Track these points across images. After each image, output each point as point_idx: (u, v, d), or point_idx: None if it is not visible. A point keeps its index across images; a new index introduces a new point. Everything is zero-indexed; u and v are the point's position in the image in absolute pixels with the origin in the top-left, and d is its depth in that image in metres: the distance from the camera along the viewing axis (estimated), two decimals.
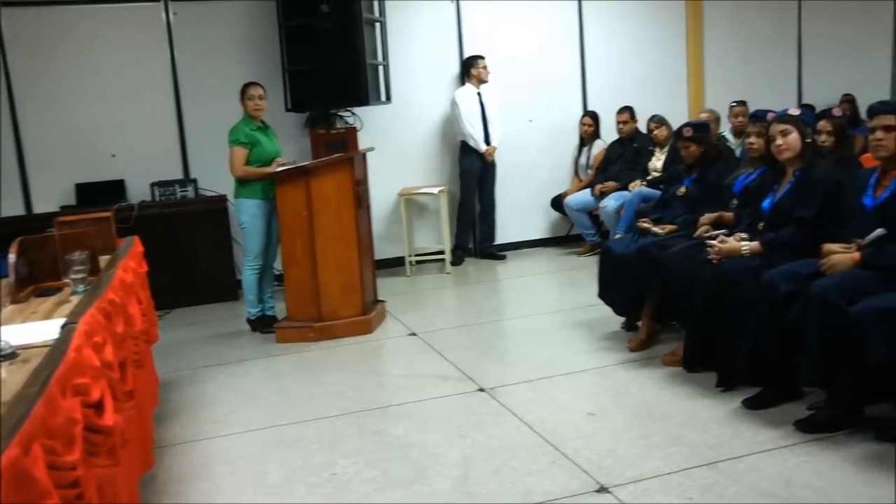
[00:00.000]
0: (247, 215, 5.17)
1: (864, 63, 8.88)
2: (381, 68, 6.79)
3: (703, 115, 6.14)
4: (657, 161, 6.67)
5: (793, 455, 3.01)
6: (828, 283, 3.18)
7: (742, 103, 6.99)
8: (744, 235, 3.86)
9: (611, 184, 6.88)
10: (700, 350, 3.86)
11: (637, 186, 6.55)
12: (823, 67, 8.68)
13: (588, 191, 7.14)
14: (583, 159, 7.53)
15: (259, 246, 5.21)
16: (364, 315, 5.17)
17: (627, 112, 7.14)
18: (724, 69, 8.25)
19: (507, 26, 7.45)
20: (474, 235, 7.49)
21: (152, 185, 6.34)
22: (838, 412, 3.19)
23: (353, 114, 6.82)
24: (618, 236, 5.99)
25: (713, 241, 3.81)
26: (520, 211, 7.67)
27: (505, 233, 7.63)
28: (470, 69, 7.06)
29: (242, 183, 5.18)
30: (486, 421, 3.58)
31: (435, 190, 6.89)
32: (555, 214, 7.73)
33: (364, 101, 6.34)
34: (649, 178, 6.61)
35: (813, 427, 3.19)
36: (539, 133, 7.68)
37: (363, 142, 6.69)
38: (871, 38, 8.91)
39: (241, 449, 3.50)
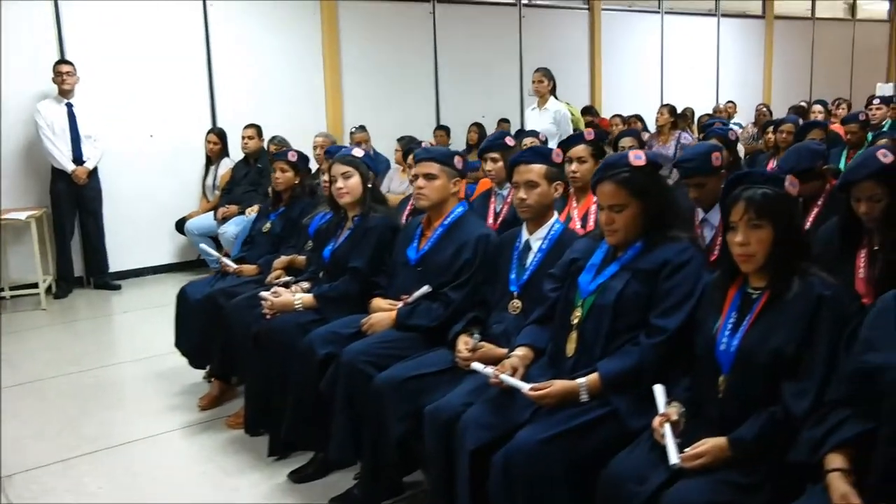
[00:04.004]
0: None
1: (497, 88, 9.38)
2: None
3: (318, 140, 5.86)
4: None
5: None
6: (359, 348, 2.96)
7: (362, 129, 6.93)
8: (305, 285, 3.60)
9: (233, 207, 6.40)
10: (259, 412, 3.52)
11: (253, 212, 6.13)
12: (460, 93, 9.01)
13: (212, 214, 6.61)
14: (209, 179, 7.00)
15: None
16: None
17: (253, 128, 6.75)
18: (363, 92, 8.22)
19: (118, 29, 6.71)
20: (87, 263, 6.65)
21: None
22: (374, 484, 2.99)
23: None
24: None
25: (265, 294, 3.48)
26: (141, 234, 6.99)
27: (124, 259, 6.88)
28: (52, 78, 6.18)
29: None
30: None
31: (23, 215, 5.93)
32: (181, 238, 7.11)
33: None
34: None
35: None
36: (161, 150, 7.05)
37: None
38: (502, 64, 9.41)
39: None
